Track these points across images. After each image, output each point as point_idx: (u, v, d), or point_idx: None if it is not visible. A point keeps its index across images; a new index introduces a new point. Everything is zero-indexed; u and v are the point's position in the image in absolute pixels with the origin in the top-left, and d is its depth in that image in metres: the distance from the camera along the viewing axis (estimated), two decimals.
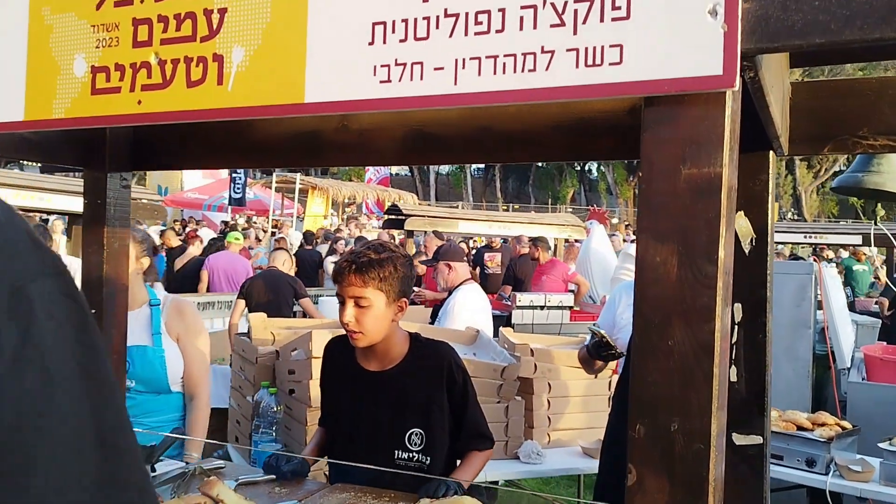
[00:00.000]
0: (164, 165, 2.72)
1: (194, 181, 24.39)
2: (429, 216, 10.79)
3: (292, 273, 7.51)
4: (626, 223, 24.86)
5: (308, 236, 13.48)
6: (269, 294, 6.82)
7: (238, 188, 19.54)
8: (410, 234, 10.80)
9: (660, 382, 1.01)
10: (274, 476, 2.33)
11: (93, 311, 2.53)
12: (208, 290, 9.28)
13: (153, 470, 2.30)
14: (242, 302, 6.85)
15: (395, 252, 2.40)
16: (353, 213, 27.39)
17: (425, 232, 9.91)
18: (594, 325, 3.44)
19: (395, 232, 13.01)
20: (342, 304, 2.34)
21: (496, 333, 5.23)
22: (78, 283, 5.08)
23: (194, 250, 10.59)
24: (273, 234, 15.68)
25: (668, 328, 1.01)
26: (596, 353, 3.34)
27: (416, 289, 7.97)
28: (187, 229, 12.37)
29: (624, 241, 13.18)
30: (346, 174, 37.04)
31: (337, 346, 2.60)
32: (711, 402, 0.97)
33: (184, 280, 9.50)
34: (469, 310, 5.14)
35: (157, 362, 3.07)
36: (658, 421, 1.00)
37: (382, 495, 2.20)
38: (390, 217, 11.11)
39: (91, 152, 2.46)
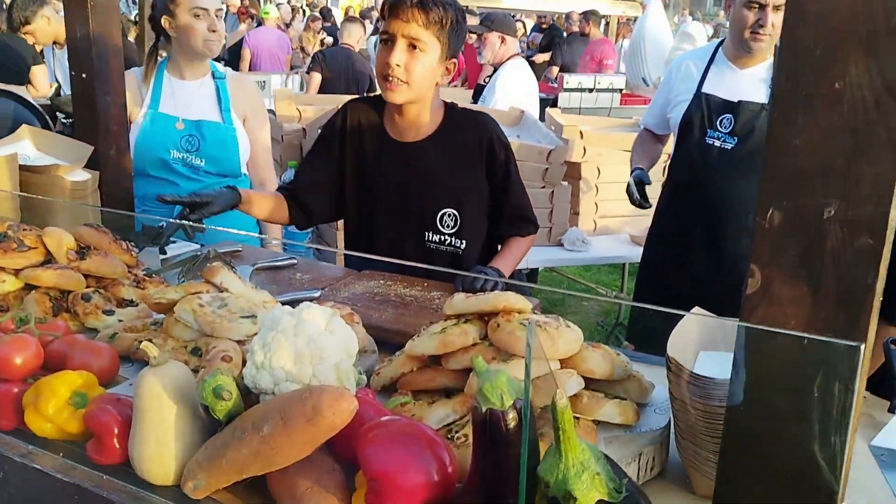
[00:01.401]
0: None
1: None
2: None
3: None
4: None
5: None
6: (343, 75, 6.34)
7: None
8: None
9: (813, 146, 0.66)
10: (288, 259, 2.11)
11: (83, 74, 2.21)
12: (250, 69, 8.81)
13: (163, 252, 2.09)
14: (318, 76, 6.40)
15: (456, 3, 2.03)
16: None
17: (465, 7, 9.11)
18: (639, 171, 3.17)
19: None
20: (389, 42, 1.97)
21: (542, 117, 4.82)
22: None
23: (245, 28, 9.97)
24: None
25: (838, 63, 0.65)
26: (631, 194, 3.13)
27: None
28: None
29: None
30: None
31: (361, 109, 2.19)
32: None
33: (228, 61, 8.98)
34: (515, 88, 4.71)
35: (231, 141, 2.71)
36: (804, 204, 0.67)
37: (414, 284, 1.96)
38: None
39: None
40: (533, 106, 4.81)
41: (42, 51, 5.74)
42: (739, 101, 2.78)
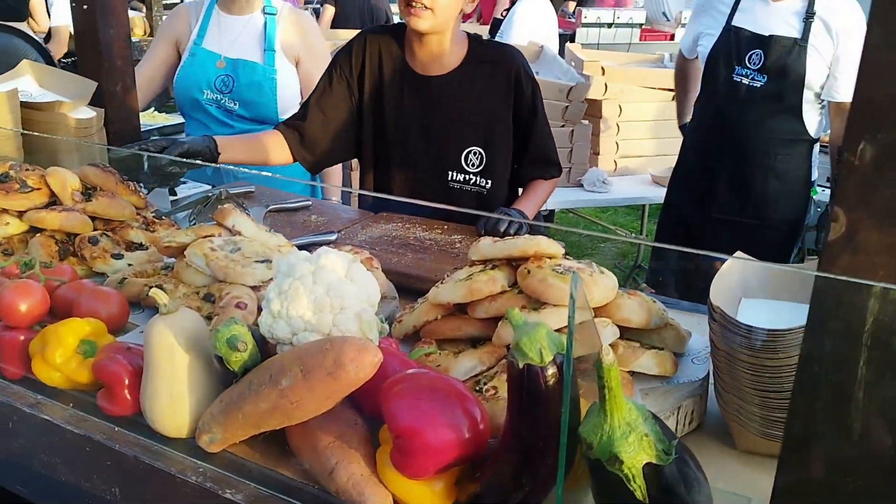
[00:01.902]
0: None
1: None
2: None
3: None
4: None
5: None
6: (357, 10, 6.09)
7: None
8: None
9: None
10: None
11: (84, 6, 2.10)
12: None
13: (173, 193, 2.01)
14: (331, 9, 6.17)
15: None
16: None
17: None
18: None
19: None
20: None
21: (561, 53, 4.65)
22: None
23: None
24: None
25: None
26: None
27: None
28: None
29: None
30: None
31: (382, 39, 2.05)
32: None
33: None
34: (534, 22, 4.54)
35: (267, 84, 2.50)
36: None
37: (433, 227, 1.88)
38: None
39: None
40: (552, 41, 4.65)
41: None
42: (771, 36, 2.64)
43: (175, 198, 2.02)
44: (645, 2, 8.98)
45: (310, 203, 2.05)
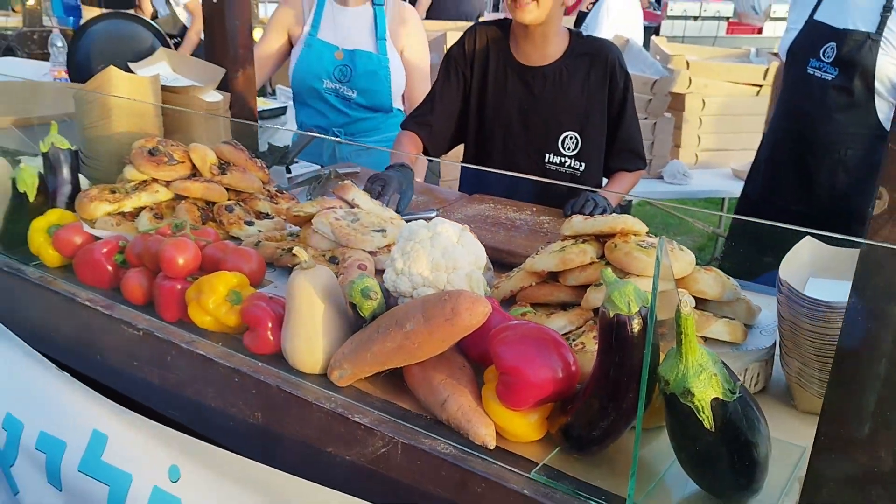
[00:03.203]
0: None
1: None
2: None
3: None
4: None
5: None
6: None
7: None
8: None
9: None
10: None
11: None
12: None
13: (288, 171, 2.24)
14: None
15: None
16: None
17: None
18: None
19: None
20: None
21: (647, 45, 4.73)
22: None
23: None
24: None
25: None
26: None
27: None
28: None
29: None
30: None
31: (489, 31, 2.27)
32: None
33: None
34: (618, 15, 4.63)
35: (382, 73, 2.69)
36: None
37: (523, 208, 2.05)
38: None
39: None
40: (637, 34, 4.73)
41: None
42: (845, 30, 2.66)
43: (290, 175, 2.24)
44: None
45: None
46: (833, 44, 2.67)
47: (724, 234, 4.42)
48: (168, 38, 4.84)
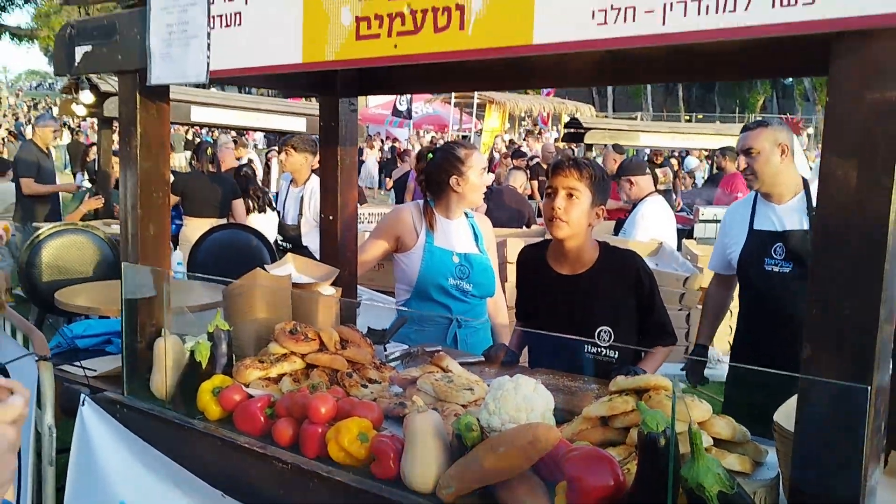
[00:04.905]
0: (385, 90, 3.09)
1: (377, 97, 25.28)
2: (609, 129, 10.71)
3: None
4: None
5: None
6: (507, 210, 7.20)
7: (402, 101, 20.05)
8: (590, 147, 10.78)
9: (836, 274, 1.21)
10: (484, 359, 2.73)
11: (330, 217, 3.00)
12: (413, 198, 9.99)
13: (384, 349, 2.76)
14: (484, 206, 7.26)
15: (599, 166, 2.72)
16: (529, 126, 27.43)
17: (605, 145, 9.88)
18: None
19: (573, 145, 13.04)
20: (552, 193, 2.64)
21: (679, 247, 5.33)
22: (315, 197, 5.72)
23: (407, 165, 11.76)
24: None
25: (846, 229, 1.20)
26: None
27: None
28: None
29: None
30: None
31: (531, 252, 2.91)
32: (881, 292, 1.17)
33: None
34: (653, 222, 5.28)
35: (489, 268, 3.35)
36: (832, 306, 1.21)
37: (577, 378, 2.52)
38: (569, 131, 11.12)
39: (325, 81, 2.85)
40: (670, 236, 5.34)
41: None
42: (783, 231, 3.19)
43: (386, 352, 2.76)
44: None
45: (483, 359, 2.75)
46: (780, 243, 3.18)
47: None
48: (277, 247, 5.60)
